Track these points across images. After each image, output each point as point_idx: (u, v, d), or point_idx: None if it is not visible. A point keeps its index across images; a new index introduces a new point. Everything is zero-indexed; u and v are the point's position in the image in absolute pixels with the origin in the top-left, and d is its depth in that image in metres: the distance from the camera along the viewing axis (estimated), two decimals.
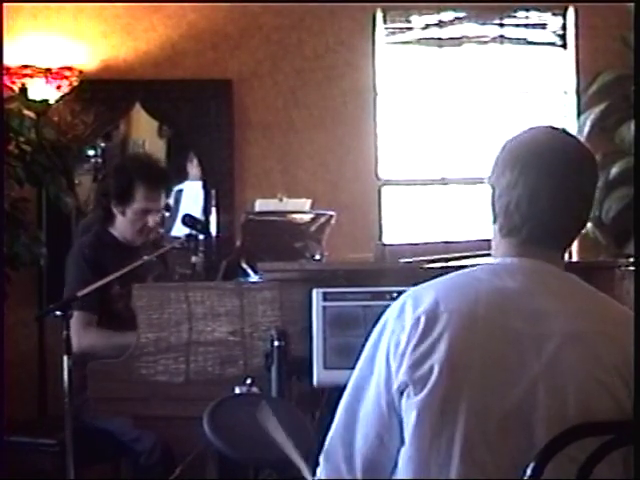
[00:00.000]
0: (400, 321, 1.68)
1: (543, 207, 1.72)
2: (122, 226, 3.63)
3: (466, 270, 1.77)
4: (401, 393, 1.65)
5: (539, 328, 1.64)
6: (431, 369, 1.62)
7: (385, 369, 1.68)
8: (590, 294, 1.75)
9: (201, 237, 3.71)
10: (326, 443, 1.75)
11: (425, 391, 1.61)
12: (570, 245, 1.80)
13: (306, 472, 1.85)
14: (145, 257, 3.47)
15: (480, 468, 1.59)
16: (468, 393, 1.61)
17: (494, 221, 1.79)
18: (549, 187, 1.72)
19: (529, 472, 1.50)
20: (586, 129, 5.16)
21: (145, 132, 5.24)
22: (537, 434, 1.59)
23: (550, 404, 1.60)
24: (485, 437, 1.60)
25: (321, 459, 1.75)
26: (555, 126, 1.82)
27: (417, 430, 1.62)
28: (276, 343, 2.73)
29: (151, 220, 3.61)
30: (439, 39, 5.37)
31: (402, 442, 1.66)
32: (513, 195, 1.73)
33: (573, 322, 1.66)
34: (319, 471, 1.76)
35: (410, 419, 1.63)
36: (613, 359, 1.63)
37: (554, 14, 5.40)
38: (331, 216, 3.79)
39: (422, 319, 1.65)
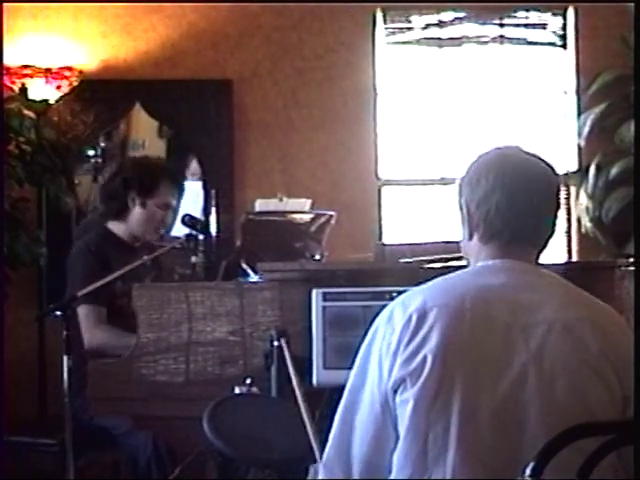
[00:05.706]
0: (390, 325, 1.73)
1: (522, 209, 1.78)
2: (135, 220, 3.65)
3: (449, 275, 1.83)
4: (395, 391, 1.68)
5: (525, 319, 1.70)
6: (424, 360, 1.66)
7: (378, 373, 1.72)
8: (570, 288, 1.80)
9: (201, 237, 3.71)
10: (324, 454, 1.78)
11: (420, 381, 1.65)
12: (545, 246, 1.85)
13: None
14: (145, 257, 3.49)
15: (475, 455, 1.62)
16: (461, 381, 1.65)
17: (470, 237, 1.83)
18: (526, 189, 1.78)
19: (528, 472, 1.50)
20: (586, 129, 5.16)
21: (145, 132, 5.24)
22: (530, 419, 1.63)
23: (541, 389, 1.64)
24: (479, 424, 1.63)
25: (320, 469, 1.79)
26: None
27: (413, 420, 1.65)
28: (276, 343, 2.73)
29: (167, 217, 3.69)
30: (439, 39, 5.37)
31: (397, 440, 1.68)
32: (492, 201, 1.78)
33: (557, 311, 1.71)
34: None
35: (406, 412, 1.66)
36: (599, 344, 1.68)
37: (554, 14, 5.40)
38: (331, 216, 3.79)
39: (413, 317, 1.70)
